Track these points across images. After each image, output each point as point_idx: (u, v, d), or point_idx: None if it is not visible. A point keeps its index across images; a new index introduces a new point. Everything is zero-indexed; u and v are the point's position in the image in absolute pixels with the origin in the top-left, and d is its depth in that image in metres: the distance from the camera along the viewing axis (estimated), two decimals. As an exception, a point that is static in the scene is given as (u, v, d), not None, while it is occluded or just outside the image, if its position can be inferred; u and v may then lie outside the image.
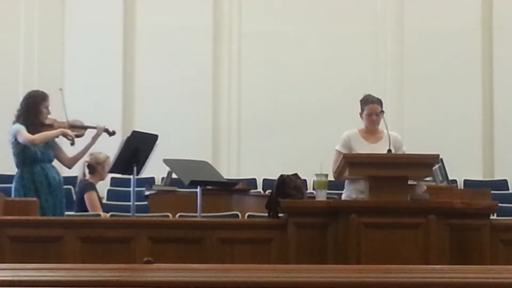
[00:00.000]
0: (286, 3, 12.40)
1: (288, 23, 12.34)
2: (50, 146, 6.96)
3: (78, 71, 12.07)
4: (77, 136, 7.09)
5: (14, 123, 6.96)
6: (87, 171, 8.15)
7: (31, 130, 6.84)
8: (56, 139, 7.09)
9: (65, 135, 6.93)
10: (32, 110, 6.90)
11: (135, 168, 6.87)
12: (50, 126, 6.96)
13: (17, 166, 6.91)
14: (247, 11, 12.44)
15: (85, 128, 7.19)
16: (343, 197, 6.51)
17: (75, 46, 12.18)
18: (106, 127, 7.26)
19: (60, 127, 6.96)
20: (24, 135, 6.77)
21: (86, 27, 12.13)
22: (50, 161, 6.98)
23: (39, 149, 6.82)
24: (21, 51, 12.26)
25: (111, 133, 7.32)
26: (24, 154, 6.85)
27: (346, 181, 6.47)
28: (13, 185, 6.96)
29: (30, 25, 12.26)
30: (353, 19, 12.32)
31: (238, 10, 12.47)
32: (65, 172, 7.81)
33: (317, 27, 12.30)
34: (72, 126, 7.03)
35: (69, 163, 7.20)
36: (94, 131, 7.19)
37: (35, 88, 11.63)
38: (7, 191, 7.47)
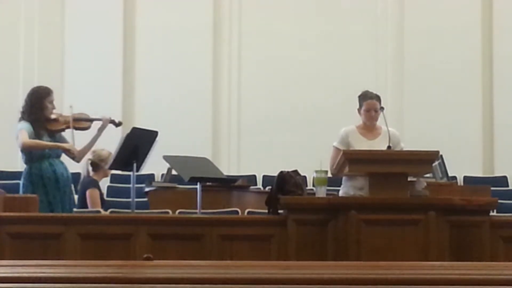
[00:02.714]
0: (286, 3, 12.40)
1: (288, 22, 12.33)
2: (58, 140, 6.94)
3: (78, 71, 12.06)
4: (83, 129, 7.08)
5: (20, 120, 6.94)
6: (90, 168, 8.14)
7: (36, 126, 6.82)
8: (63, 133, 7.05)
9: (63, 150, 6.87)
10: (37, 105, 6.88)
11: (135, 165, 6.86)
12: (55, 121, 6.94)
13: (25, 162, 6.89)
14: (247, 11, 12.43)
15: (91, 120, 7.17)
16: (341, 193, 6.49)
17: (75, 46, 12.17)
18: (112, 118, 7.26)
19: (65, 121, 6.93)
20: (21, 137, 6.75)
21: (86, 27, 12.12)
22: (58, 156, 6.95)
23: None
24: (21, 51, 12.25)
25: (118, 124, 7.30)
26: (31, 150, 6.83)
27: (344, 178, 6.46)
28: (21, 181, 6.94)
29: (30, 25, 12.25)
30: (353, 18, 12.31)
31: (238, 10, 12.46)
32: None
33: (317, 26, 12.29)
34: (78, 120, 7.01)
35: (77, 157, 7.18)
36: (100, 123, 7.17)
37: (35, 88, 11.71)
38: (7, 187, 7.46)
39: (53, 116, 6.95)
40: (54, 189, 6.74)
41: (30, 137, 6.76)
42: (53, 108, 6.97)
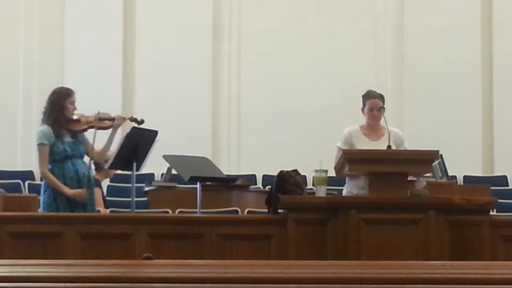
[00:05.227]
0: (286, 2, 12.41)
1: (288, 21, 12.34)
2: (80, 141, 6.92)
3: (78, 71, 12.06)
4: (106, 128, 7.03)
5: (41, 123, 6.91)
6: (93, 167, 8.12)
7: (57, 127, 6.78)
8: (85, 133, 6.99)
9: (69, 196, 6.79)
10: (57, 106, 6.84)
11: (134, 164, 6.85)
12: (77, 122, 6.90)
13: (49, 163, 6.86)
14: (247, 10, 12.44)
15: (113, 119, 7.13)
16: (344, 193, 6.51)
17: (75, 46, 12.18)
18: (134, 116, 7.22)
19: (87, 122, 6.90)
20: (40, 159, 6.71)
21: (86, 26, 12.14)
22: (82, 156, 6.90)
23: (68, 145, 6.77)
24: (21, 51, 12.26)
25: (140, 122, 7.26)
26: (53, 151, 6.80)
27: (347, 177, 6.47)
28: (43, 182, 6.91)
29: (30, 25, 12.26)
30: (353, 17, 12.33)
31: (238, 9, 12.47)
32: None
33: (317, 25, 12.31)
34: (101, 119, 6.98)
35: (98, 157, 7.16)
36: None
37: (34, 88, 11.74)
38: (7, 187, 7.46)
39: (75, 117, 6.91)
40: (75, 189, 6.71)
41: (49, 140, 6.72)
42: (75, 109, 6.93)
